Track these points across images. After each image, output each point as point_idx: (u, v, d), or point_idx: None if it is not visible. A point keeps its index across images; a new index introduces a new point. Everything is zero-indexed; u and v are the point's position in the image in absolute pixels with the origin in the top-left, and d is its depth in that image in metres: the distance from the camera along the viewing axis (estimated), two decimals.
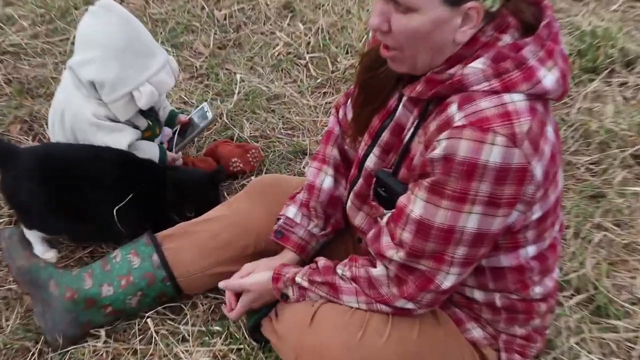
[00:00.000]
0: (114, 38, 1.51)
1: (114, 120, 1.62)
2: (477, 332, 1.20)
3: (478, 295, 1.17)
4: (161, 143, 1.78)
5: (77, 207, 1.53)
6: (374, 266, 1.15)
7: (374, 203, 1.19)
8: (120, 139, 1.61)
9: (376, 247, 1.13)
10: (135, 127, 1.67)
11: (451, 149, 0.96)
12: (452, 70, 1.02)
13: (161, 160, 1.70)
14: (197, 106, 1.91)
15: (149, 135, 1.73)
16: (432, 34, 1.00)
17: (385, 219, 1.14)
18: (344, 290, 1.18)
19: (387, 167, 1.17)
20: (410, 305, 1.11)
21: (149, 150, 1.68)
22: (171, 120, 1.85)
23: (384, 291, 1.12)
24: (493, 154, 0.94)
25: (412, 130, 1.11)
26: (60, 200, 1.52)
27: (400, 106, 1.14)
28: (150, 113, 1.72)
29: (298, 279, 1.21)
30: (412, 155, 1.10)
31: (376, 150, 1.19)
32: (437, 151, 0.98)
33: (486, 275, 1.14)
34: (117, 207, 1.49)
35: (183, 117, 1.85)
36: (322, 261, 1.24)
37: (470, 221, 1.00)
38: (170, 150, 1.79)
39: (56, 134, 1.68)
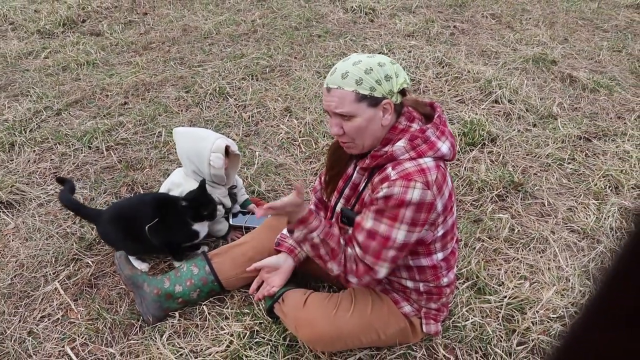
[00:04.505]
0: (186, 147, 1.61)
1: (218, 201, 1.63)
2: (407, 308, 1.23)
3: (409, 284, 1.20)
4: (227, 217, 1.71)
5: (137, 236, 1.52)
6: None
7: (342, 225, 1.21)
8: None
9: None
10: (223, 205, 1.65)
11: (389, 192, 1.00)
12: (385, 149, 1.05)
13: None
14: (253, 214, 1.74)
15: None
16: (369, 126, 1.04)
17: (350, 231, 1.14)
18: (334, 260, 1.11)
19: (348, 206, 1.20)
20: (354, 281, 1.10)
21: (224, 225, 1.68)
22: (244, 206, 1.78)
23: (349, 265, 1.10)
24: (415, 193, 0.98)
25: (363, 185, 1.14)
26: (127, 234, 1.54)
27: (355, 173, 1.17)
28: (233, 198, 1.72)
29: (314, 235, 1.08)
30: (363, 197, 1.13)
31: (342, 200, 1.21)
32: (381, 193, 1.01)
33: (414, 271, 1.18)
34: (147, 226, 1.48)
35: (251, 207, 1.75)
36: (336, 229, 1.12)
37: (400, 234, 1.02)
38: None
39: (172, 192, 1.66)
